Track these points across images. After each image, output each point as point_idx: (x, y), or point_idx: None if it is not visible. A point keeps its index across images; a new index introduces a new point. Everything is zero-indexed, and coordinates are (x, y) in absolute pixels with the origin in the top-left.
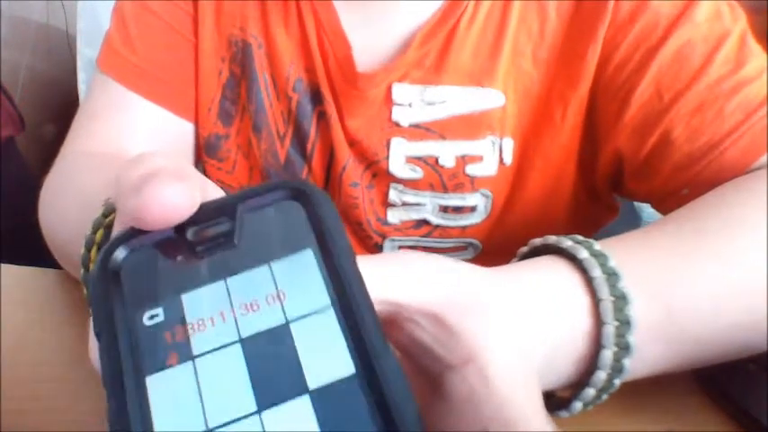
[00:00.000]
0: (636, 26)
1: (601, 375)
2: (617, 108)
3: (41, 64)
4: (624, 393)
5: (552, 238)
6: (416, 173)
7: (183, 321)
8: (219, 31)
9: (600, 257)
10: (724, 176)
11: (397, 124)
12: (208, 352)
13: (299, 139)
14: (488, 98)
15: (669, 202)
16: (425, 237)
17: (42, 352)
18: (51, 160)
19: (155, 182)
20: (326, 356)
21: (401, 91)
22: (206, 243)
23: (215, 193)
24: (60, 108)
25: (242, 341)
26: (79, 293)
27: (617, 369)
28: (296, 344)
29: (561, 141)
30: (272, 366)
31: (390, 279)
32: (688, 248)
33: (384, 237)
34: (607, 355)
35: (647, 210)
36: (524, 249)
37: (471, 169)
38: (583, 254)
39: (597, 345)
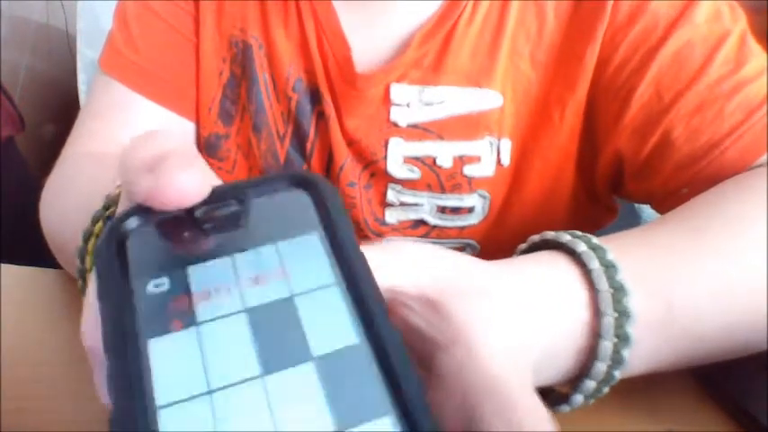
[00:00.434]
0: (635, 27)
1: (600, 367)
2: (617, 109)
3: (41, 64)
4: (624, 393)
5: (550, 234)
6: (414, 173)
7: (188, 291)
8: (220, 32)
9: (598, 250)
10: (724, 176)
11: (396, 124)
12: (212, 319)
13: (299, 138)
14: (486, 99)
15: (669, 202)
16: (423, 237)
17: (42, 352)
18: (51, 160)
19: (167, 165)
20: (330, 327)
21: (399, 91)
22: (214, 222)
23: (214, 179)
24: (60, 108)
25: (247, 310)
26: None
27: (617, 360)
28: (300, 314)
29: (560, 142)
30: (277, 335)
31: (387, 266)
32: (687, 245)
33: (381, 237)
34: (606, 345)
35: (646, 210)
36: (523, 246)
37: (469, 170)
38: (581, 247)
39: (596, 336)
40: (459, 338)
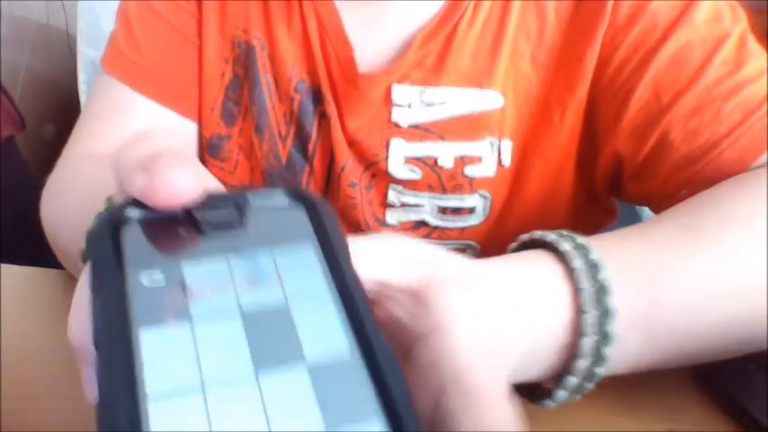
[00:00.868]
0: (635, 28)
1: (582, 363)
2: (616, 110)
3: (41, 64)
4: (623, 393)
5: (538, 233)
6: (415, 173)
7: (182, 286)
8: (223, 33)
9: (582, 249)
10: (723, 177)
11: (397, 125)
12: (205, 315)
13: (301, 139)
14: (487, 99)
15: (667, 203)
16: (424, 238)
17: (42, 352)
18: (51, 160)
19: (161, 164)
20: (323, 332)
21: (401, 92)
22: (212, 224)
23: (208, 179)
24: (60, 108)
25: (240, 308)
26: None
27: (598, 357)
28: (292, 316)
29: (560, 143)
30: (269, 335)
31: (375, 259)
32: (681, 242)
33: None
34: (587, 343)
35: (647, 211)
36: (513, 245)
37: (470, 170)
38: (565, 246)
39: (578, 334)
40: (436, 327)
